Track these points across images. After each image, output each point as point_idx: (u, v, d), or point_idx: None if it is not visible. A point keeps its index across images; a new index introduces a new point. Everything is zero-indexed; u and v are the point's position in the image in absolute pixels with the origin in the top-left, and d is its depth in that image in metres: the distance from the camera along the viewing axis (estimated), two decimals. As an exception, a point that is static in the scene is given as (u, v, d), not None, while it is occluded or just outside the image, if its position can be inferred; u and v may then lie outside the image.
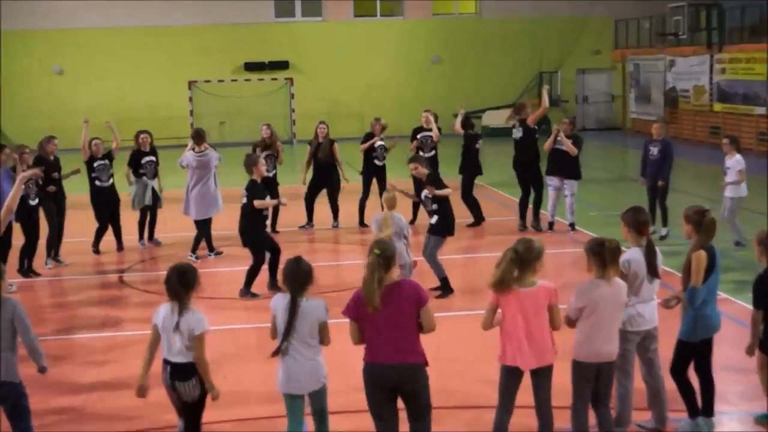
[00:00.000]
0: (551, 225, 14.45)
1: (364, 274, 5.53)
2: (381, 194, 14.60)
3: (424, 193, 10.69)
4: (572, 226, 14.20)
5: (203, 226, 13.12)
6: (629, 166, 24.11)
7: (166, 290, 5.78)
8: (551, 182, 14.33)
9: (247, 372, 8.28)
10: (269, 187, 13.36)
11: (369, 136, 15.37)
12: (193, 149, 13.22)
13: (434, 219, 10.73)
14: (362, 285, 5.55)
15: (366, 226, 14.77)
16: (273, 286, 10.91)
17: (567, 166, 14.08)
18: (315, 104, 32.13)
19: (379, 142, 15.23)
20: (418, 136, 15.44)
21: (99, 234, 13.80)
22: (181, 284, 5.71)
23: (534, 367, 5.89)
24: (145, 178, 13.98)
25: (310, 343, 5.76)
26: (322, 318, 5.78)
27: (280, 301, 5.80)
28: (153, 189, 14.00)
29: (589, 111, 35.02)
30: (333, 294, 10.26)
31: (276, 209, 14.75)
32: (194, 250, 12.97)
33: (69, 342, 9.56)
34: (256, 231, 10.84)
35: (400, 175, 15.95)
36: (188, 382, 5.76)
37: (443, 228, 10.72)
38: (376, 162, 15.38)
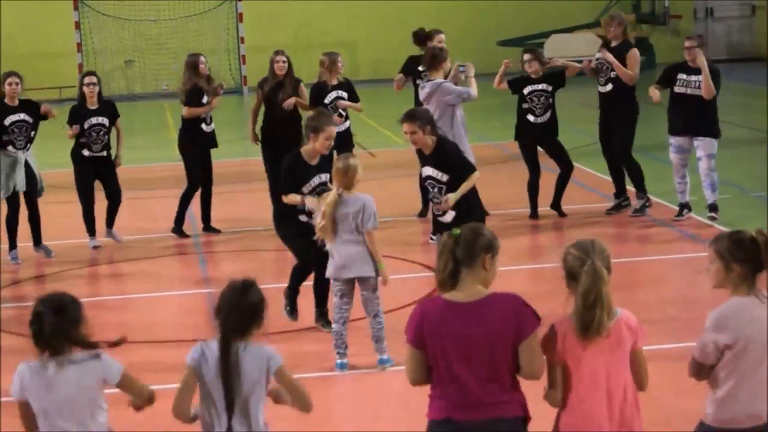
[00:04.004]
0: (685, 207, 14.69)
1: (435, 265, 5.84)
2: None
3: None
4: (712, 209, 14.32)
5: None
6: (782, 119, 24.08)
7: (36, 340, 5.88)
8: (675, 143, 14.53)
9: None
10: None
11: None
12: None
13: (449, 216, 10.75)
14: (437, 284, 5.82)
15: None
16: (321, 317, 11.33)
17: (699, 119, 14.30)
18: (275, 31, 32.30)
19: (335, 93, 15.35)
20: (420, 69, 15.51)
21: None
22: (60, 326, 5.80)
23: None
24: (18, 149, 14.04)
25: (256, 415, 5.89)
26: (275, 364, 5.88)
27: (207, 352, 5.91)
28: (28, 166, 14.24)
29: (715, 32, 34.98)
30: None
31: None
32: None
33: None
34: (285, 220, 11.20)
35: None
36: None
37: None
38: None
